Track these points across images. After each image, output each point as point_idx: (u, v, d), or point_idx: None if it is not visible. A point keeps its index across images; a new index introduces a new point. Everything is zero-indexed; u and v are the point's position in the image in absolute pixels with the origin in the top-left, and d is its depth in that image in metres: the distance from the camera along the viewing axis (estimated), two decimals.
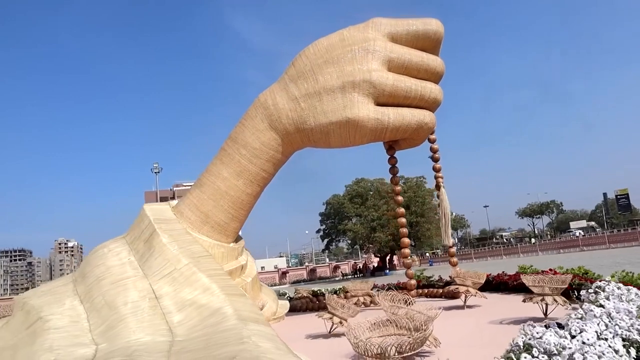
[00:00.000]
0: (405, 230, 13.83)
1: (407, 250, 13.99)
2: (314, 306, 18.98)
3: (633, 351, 4.82)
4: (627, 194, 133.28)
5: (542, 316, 8.87)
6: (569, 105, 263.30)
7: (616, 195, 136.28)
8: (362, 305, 13.99)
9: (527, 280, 9.07)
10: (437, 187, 14.46)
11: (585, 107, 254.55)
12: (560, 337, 4.81)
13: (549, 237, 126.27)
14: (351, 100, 10.54)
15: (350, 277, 70.29)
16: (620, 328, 5.30)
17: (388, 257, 70.53)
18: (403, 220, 13.77)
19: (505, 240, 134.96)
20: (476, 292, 11.60)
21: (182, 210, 10.83)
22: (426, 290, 15.67)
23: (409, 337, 5.59)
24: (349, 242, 71.38)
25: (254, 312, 7.95)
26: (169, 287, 8.44)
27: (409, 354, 5.56)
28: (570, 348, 4.42)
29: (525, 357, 4.40)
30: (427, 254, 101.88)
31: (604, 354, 4.42)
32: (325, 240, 74.12)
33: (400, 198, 14.03)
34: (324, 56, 10.87)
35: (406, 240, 13.91)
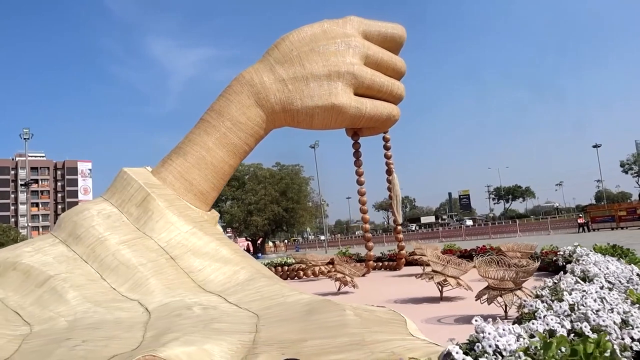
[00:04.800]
0: (365, 207, 15.82)
1: (367, 226, 15.99)
2: None
3: None
4: (468, 195, 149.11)
5: None
6: (428, 112, 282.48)
7: (459, 195, 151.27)
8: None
9: (504, 247, 11.51)
10: (389, 172, 16.61)
11: (442, 116, 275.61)
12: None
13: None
14: (335, 88, 12.14)
15: None
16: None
17: (260, 241, 72.31)
18: (364, 198, 15.74)
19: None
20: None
21: (165, 177, 10.97)
22: (386, 263, 18.29)
23: (519, 272, 7.53)
24: (224, 224, 71.86)
25: (269, 271, 8.38)
26: (180, 248, 8.43)
27: (524, 279, 7.53)
28: (624, 276, 6.67)
29: (593, 282, 6.56)
30: (286, 241, 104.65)
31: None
32: None
33: (363, 179, 15.96)
34: (309, 44, 12.27)
35: (366, 216, 15.91)
